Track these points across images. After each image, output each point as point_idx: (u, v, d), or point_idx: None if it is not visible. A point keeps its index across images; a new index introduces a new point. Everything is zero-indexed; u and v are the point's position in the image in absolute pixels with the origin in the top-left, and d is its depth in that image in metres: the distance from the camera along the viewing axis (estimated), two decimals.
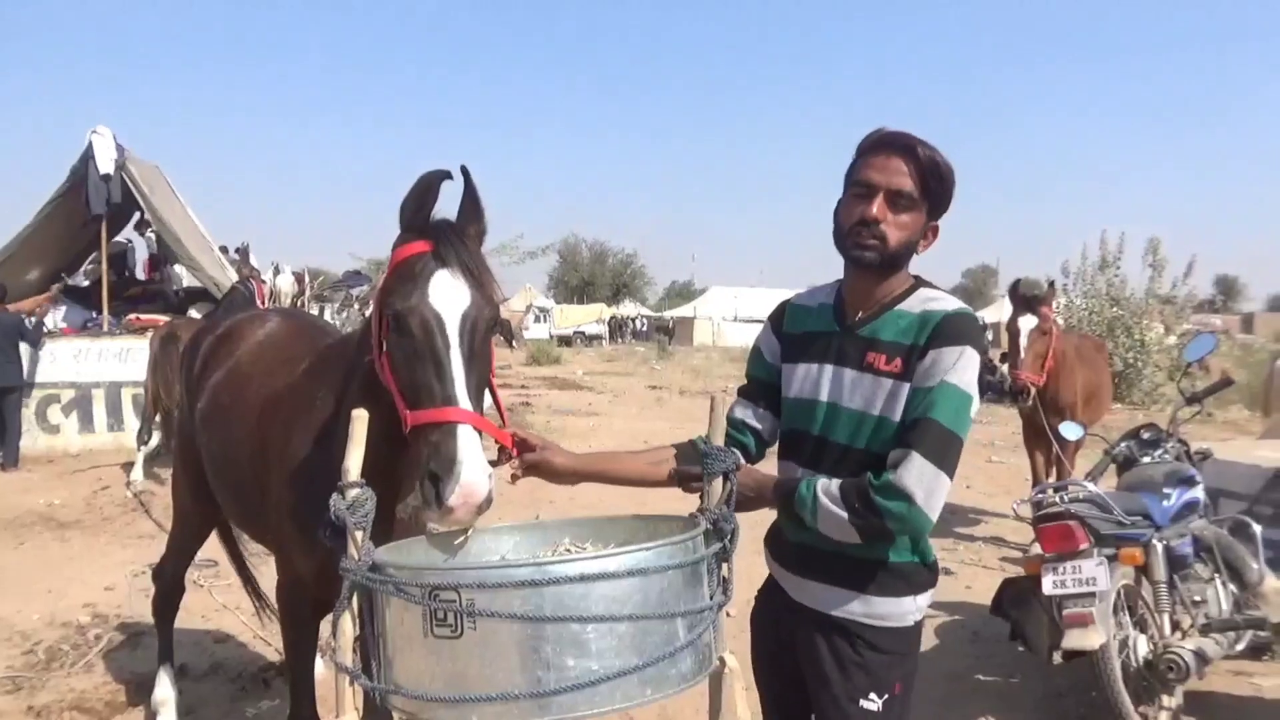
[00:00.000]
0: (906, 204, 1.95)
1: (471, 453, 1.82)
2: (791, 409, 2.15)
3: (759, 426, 2.21)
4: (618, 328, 54.16)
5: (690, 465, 2.14)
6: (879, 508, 1.84)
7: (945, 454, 1.86)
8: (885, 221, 1.94)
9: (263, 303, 10.32)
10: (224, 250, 13.05)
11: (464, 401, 1.89)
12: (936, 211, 2.02)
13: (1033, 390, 6.73)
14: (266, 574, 5.01)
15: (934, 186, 1.96)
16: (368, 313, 2.42)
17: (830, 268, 2.17)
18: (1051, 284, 7.82)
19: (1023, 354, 6.74)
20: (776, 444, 2.23)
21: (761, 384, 2.25)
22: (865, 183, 1.96)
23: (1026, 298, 6.89)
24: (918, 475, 1.83)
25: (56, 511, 8.12)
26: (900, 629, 2.02)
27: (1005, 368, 7.20)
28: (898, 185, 1.93)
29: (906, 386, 1.92)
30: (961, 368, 1.88)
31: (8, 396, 10.16)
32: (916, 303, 2.01)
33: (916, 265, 2.09)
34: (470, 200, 2.12)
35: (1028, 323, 6.79)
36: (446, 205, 2.11)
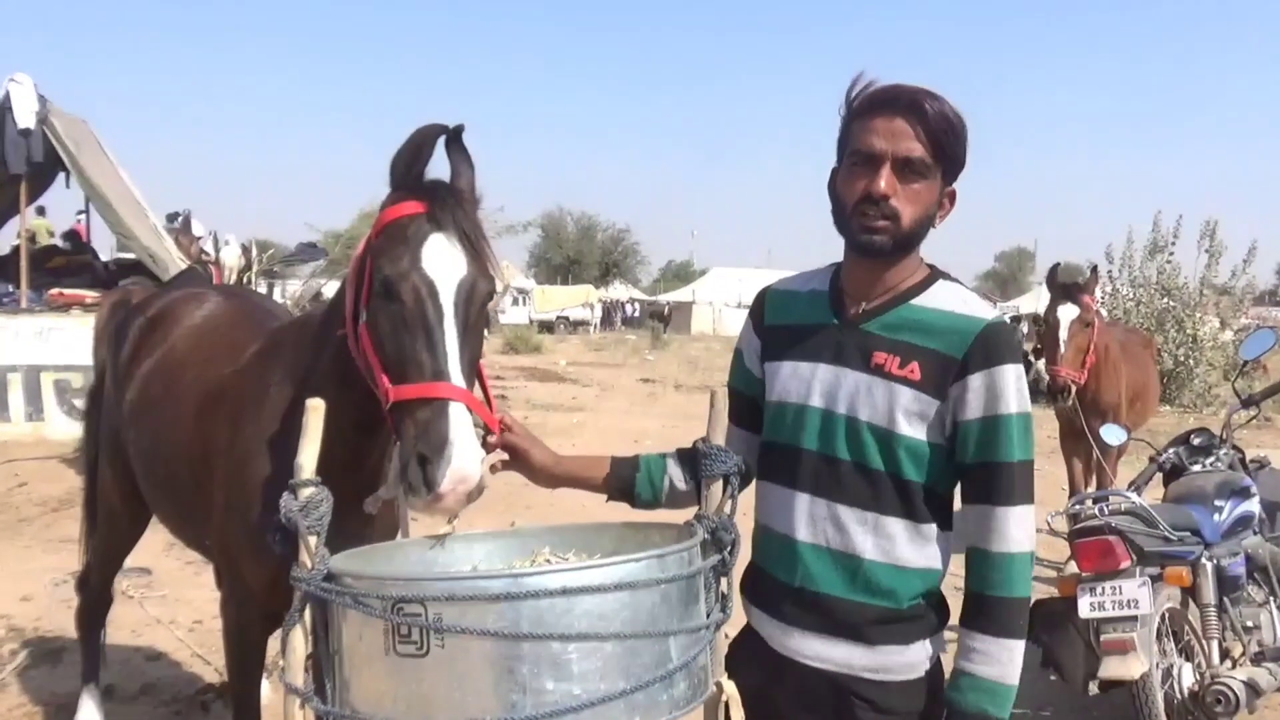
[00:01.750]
0: (919, 172, 1.86)
1: (464, 433, 1.83)
2: (774, 416, 2.06)
3: (739, 460, 2.02)
4: (606, 312, 54.13)
5: (626, 471, 2.16)
6: (1028, 600, 1.89)
7: (1031, 487, 1.89)
8: (896, 196, 1.86)
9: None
10: (172, 218, 12.99)
11: (456, 378, 1.90)
12: (952, 174, 1.94)
13: (1073, 389, 6.74)
14: (202, 583, 5.05)
15: (949, 147, 1.87)
16: (324, 291, 2.42)
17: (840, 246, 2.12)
18: (1094, 270, 7.83)
19: (1062, 348, 6.71)
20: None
21: (740, 398, 2.16)
22: (867, 151, 1.87)
23: (1066, 285, 6.89)
24: (1026, 528, 1.88)
25: None
26: (911, 682, 1.94)
27: (1041, 364, 7.23)
28: (906, 151, 1.84)
29: (928, 400, 1.88)
30: (1019, 390, 1.87)
31: None
32: (940, 300, 1.94)
33: (930, 248, 2.02)
34: (463, 162, 2.15)
35: (1068, 313, 6.75)
36: (436, 167, 2.12)
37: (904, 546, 1.93)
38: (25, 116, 10.87)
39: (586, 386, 19.93)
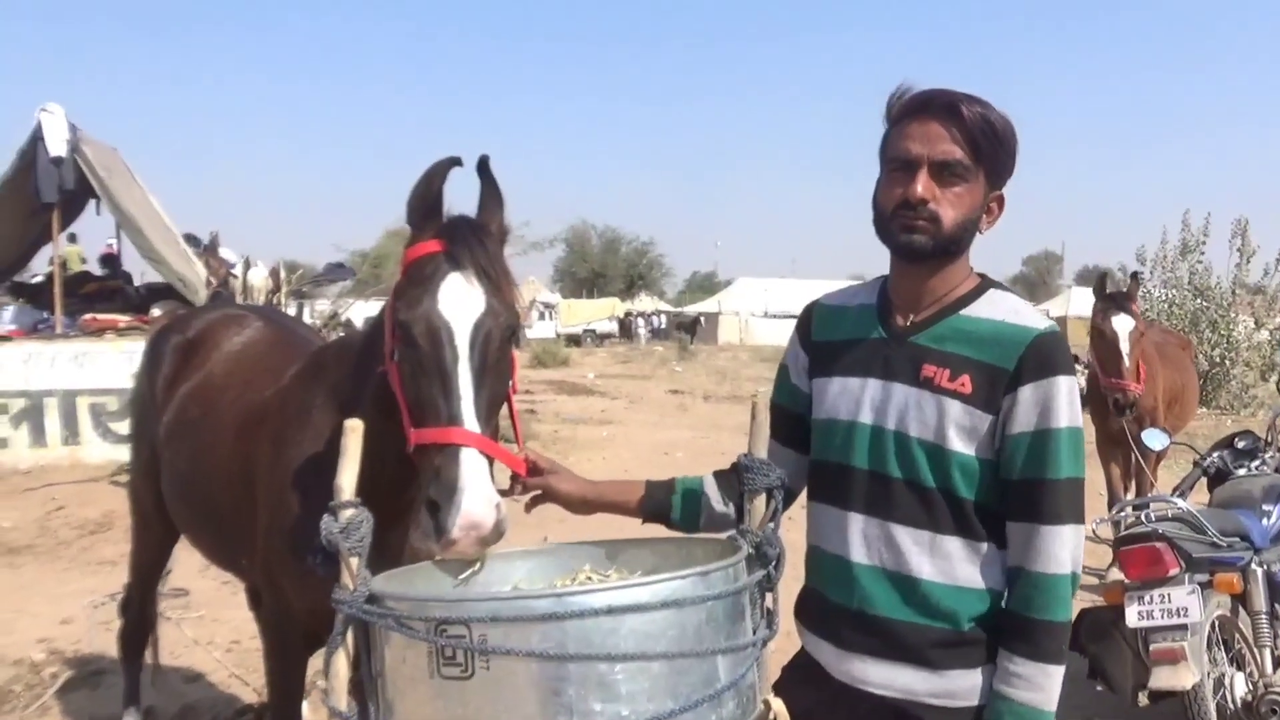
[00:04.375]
0: (958, 174, 1.83)
1: (475, 479, 1.82)
2: (824, 434, 2.03)
3: (782, 474, 1.96)
4: (626, 325, 54.22)
5: (661, 494, 2.14)
6: (1068, 624, 1.84)
7: (1080, 506, 1.84)
8: (934, 200, 1.83)
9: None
10: (191, 240, 13.13)
11: (470, 422, 1.89)
12: (998, 178, 1.90)
13: (1135, 402, 6.56)
14: (239, 603, 5.06)
15: (989, 149, 1.84)
16: (342, 314, 2.45)
17: (879, 256, 2.10)
18: (1135, 276, 7.71)
19: (1126, 360, 6.52)
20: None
21: (785, 414, 2.13)
22: (903, 157, 1.85)
23: (1116, 295, 6.75)
24: (1071, 549, 1.82)
25: (5, 535, 8.18)
26: (975, 708, 1.88)
27: (1084, 376, 7.10)
28: (943, 155, 1.82)
29: (979, 414, 1.83)
30: (1070, 404, 1.82)
31: None
32: (990, 309, 1.90)
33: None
34: (490, 194, 2.15)
35: (1124, 324, 6.57)
36: (465, 199, 2.13)
37: (963, 566, 1.88)
38: (57, 145, 11.03)
39: (615, 399, 19.92)
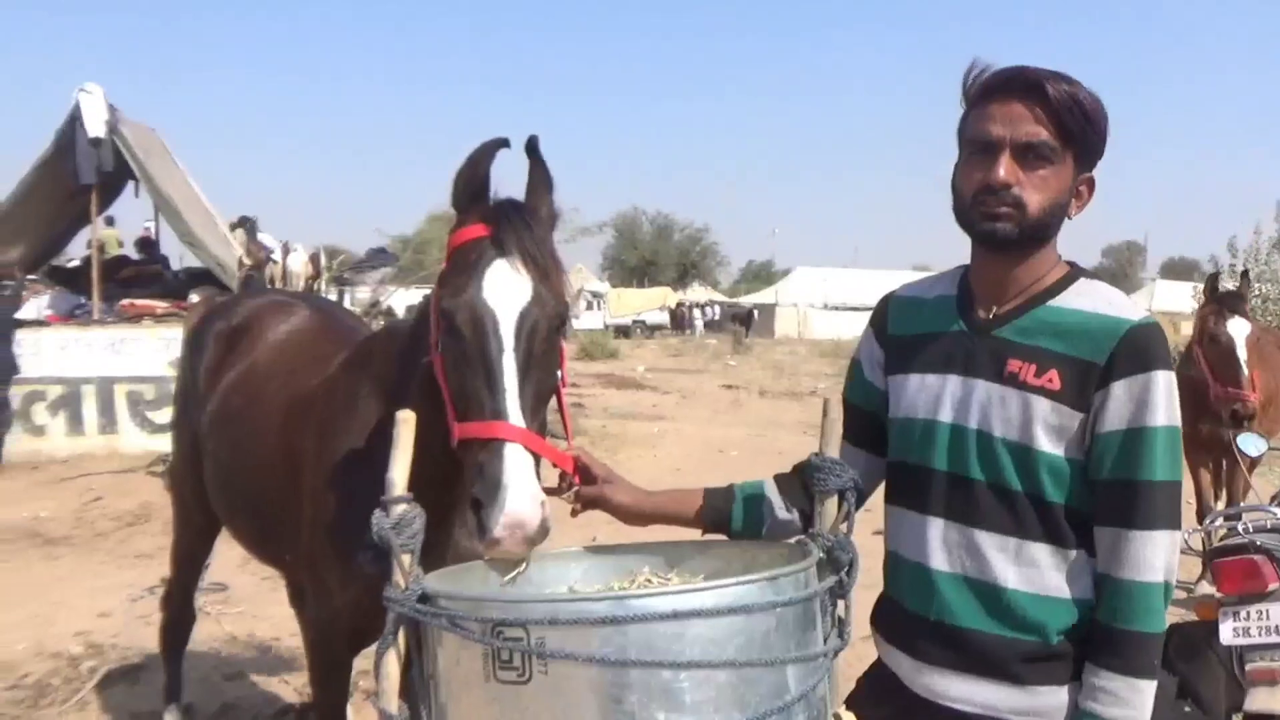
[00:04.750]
0: (1044, 157, 1.81)
1: (519, 476, 1.82)
2: (902, 434, 2.02)
3: (855, 474, 1.95)
4: (678, 317, 54.21)
5: (720, 502, 2.12)
6: (1160, 636, 1.80)
7: (1175, 511, 1.80)
8: (1018, 183, 1.80)
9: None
10: (246, 222, 13.34)
11: (515, 416, 1.90)
12: (1087, 160, 1.88)
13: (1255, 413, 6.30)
14: (280, 599, 5.15)
15: (1077, 129, 1.81)
16: (384, 302, 2.47)
17: (949, 245, 2.08)
18: (1245, 275, 7.44)
19: (1243, 369, 6.22)
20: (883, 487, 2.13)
21: (857, 413, 2.13)
22: (984, 139, 1.83)
23: (1230, 296, 6.48)
24: (1165, 556, 1.78)
25: (42, 525, 8.39)
26: None
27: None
28: (1027, 136, 1.79)
29: (1069, 412, 1.80)
30: (1168, 401, 1.78)
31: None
32: (1080, 299, 1.87)
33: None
34: (539, 176, 2.15)
35: (1240, 329, 6.29)
36: (513, 183, 2.13)
37: (1050, 574, 1.86)
38: (96, 126, 11.25)
39: (667, 394, 19.92)
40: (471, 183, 2.07)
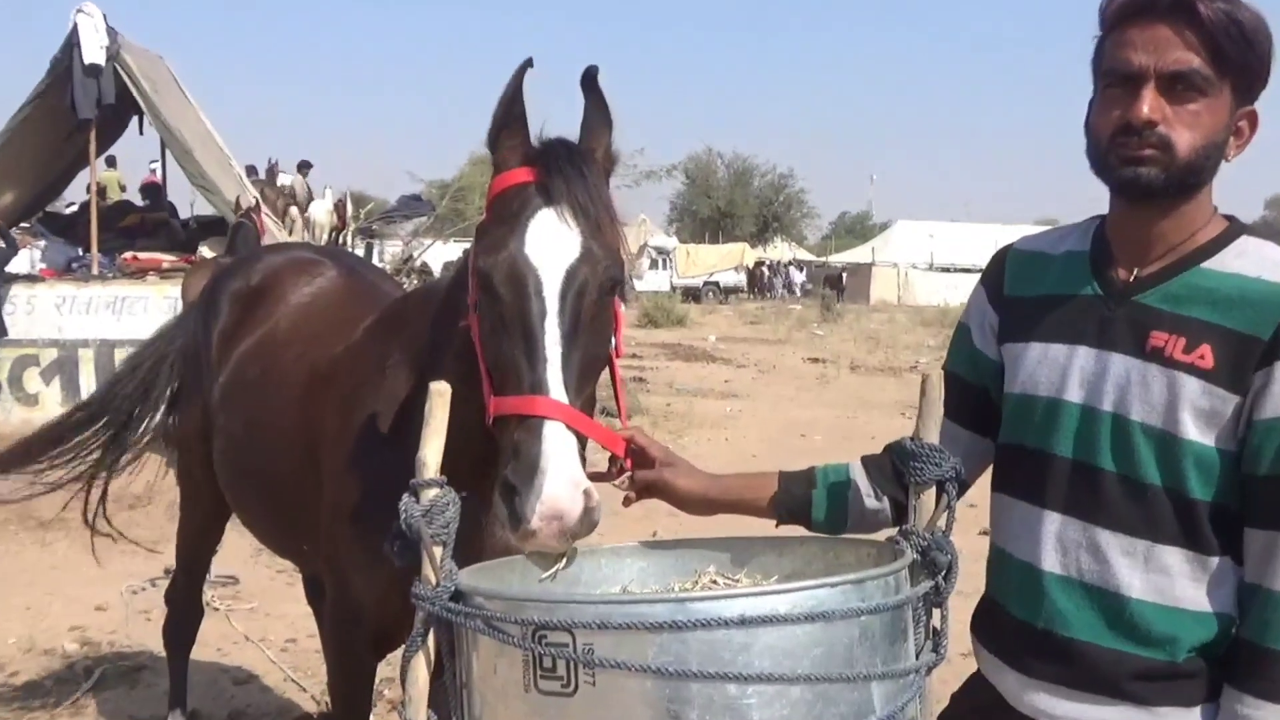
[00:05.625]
0: (1195, 88, 1.76)
1: (559, 459, 1.83)
2: (1018, 412, 2.01)
3: (957, 462, 1.93)
4: (756, 278, 53.94)
5: (799, 489, 2.13)
6: None
7: None
8: (1165, 121, 1.77)
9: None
10: (250, 172, 13.54)
11: (557, 390, 1.90)
12: (1248, 90, 1.83)
13: None
14: (296, 595, 5.24)
15: (1235, 54, 1.76)
16: (417, 258, 2.51)
17: (1082, 196, 2.05)
18: None
19: None
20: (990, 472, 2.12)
21: (963, 387, 2.11)
22: (1124, 70, 1.79)
23: None
24: None
25: (36, 507, 8.58)
26: None
27: None
28: (1175, 64, 1.75)
29: (1223, 394, 1.77)
30: None
31: None
32: (1241, 261, 1.83)
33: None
34: (597, 113, 2.15)
35: None
36: (569, 125, 2.13)
37: (1184, 583, 1.84)
38: (94, 52, 11.37)
39: (742, 367, 19.92)
40: (503, 119, 2.08)
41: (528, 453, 1.84)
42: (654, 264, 48.55)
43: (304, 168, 18.35)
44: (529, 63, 2.10)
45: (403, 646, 1.79)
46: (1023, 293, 2.06)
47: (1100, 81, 1.88)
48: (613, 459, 2.11)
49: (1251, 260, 1.83)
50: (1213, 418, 1.79)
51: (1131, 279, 1.91)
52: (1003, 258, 2.15)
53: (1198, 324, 1.81)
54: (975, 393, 2.12)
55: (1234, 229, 1.89)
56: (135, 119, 12.99)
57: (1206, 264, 1.85)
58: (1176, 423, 1.80)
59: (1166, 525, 1.83)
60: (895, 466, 1.97)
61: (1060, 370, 1.93)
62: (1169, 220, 1.87)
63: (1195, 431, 1.80)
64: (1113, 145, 1.83)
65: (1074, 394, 1.91)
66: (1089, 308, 1.93)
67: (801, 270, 56.63)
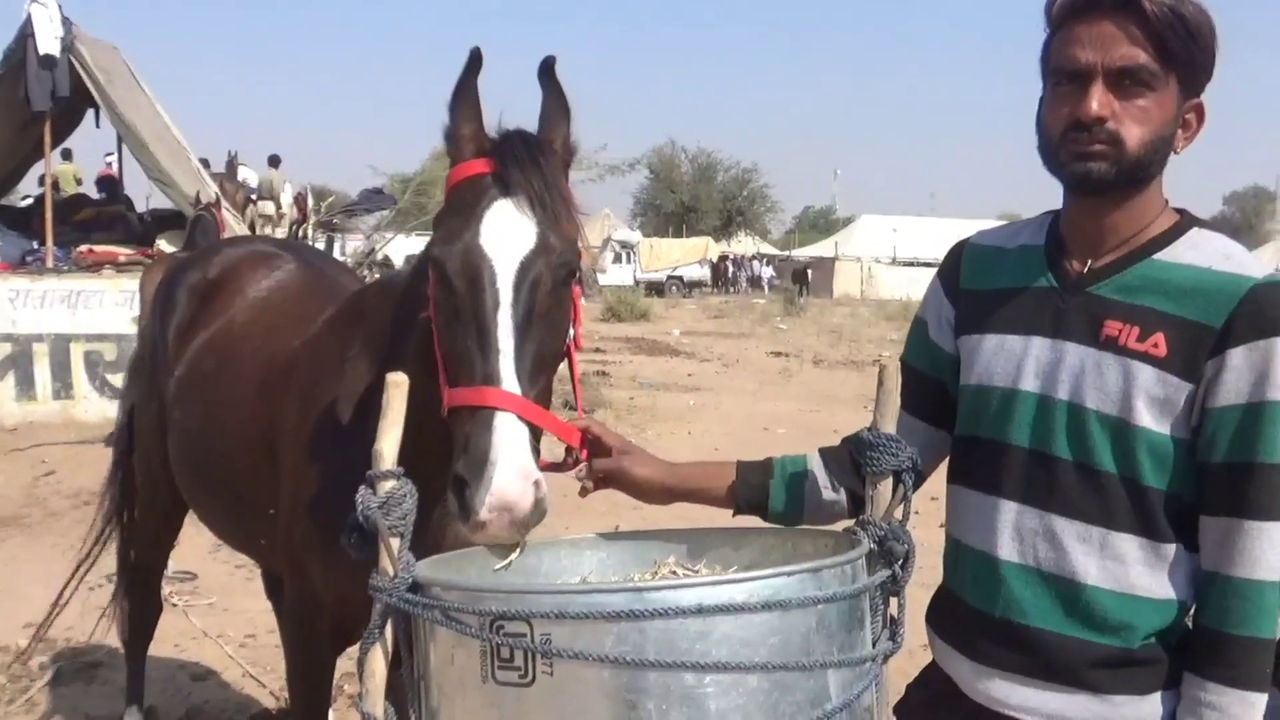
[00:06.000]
0: (1143, 83, 1.79)
1: (509, 450, 1.84)
2: (974, 403, 2.03)
3: (914, 453, 1.95)
4: (719, 271, 54.04)
5: (756, 478, 2.15)
6: (1274, 642, 1.78)
7: None
8: (1113, 116, 1.80)
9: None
10: (204, 165, 13.43)
11: (509, 381, 1.91)
12: (1194, 83, 1.86)
13: None
14: (255, 590, 5.21)
15: (1180, 49, 1.79)
16: (379, 250, 2.50)
17: (1043, 191, 2.05)
18: None
19: None
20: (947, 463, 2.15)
21: (920, 379, 2.13)
22: (1071, 67, 1.82)
23: None
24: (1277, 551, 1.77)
25: None
26: None
27: None
28: (1121, 60, 1.78)
29: (1176, 382, 1.80)
30: None
31: None
32: (1193, 253, 1.86)
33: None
34: (555, 104, 2.16)
35: None
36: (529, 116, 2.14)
37: (1139, 570, 1.86)
38: (48, 43, 11.27)
39: (705, 361, 19.94)
40: (460, 108, 2.09)
41: (478, 445, 1.85)
42: (618, 258, 48.57)
43: (274, 162, 18.25)
44: (478, 53, 2.11)
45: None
46: (979, 286, 2.08)
47: (1049, 79, 1.90)
48: (569, 450, 2.12)
49: (1203, 252, 1.86)
50: (1166, 405, 1.82)
51: (1086, 271, 1.93)
52: (959, 252, 2.18)
53: (1151, 313, 1.84)
54: (932, 385, 2.14)
55: (1186, 221, 1.92)
56: (91, 111, 12.87)
57: (1159, 255, 1.88)
58: (1131, 410, 1.83)
59: (1121, 513, 1.86)
60: (852, 458, 2.00)
61: (1016, 361, 1.95)
62: (1121, 213, 1.90)
63: (1149, 419, 1.82)
64: (1064, 141, 1.86)
65: (1030, 384, 1.93)
66: (1044, 299, 1.95)
67: (769, 264, 56.79)
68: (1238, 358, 1.77)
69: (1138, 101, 1.81)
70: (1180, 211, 1.95)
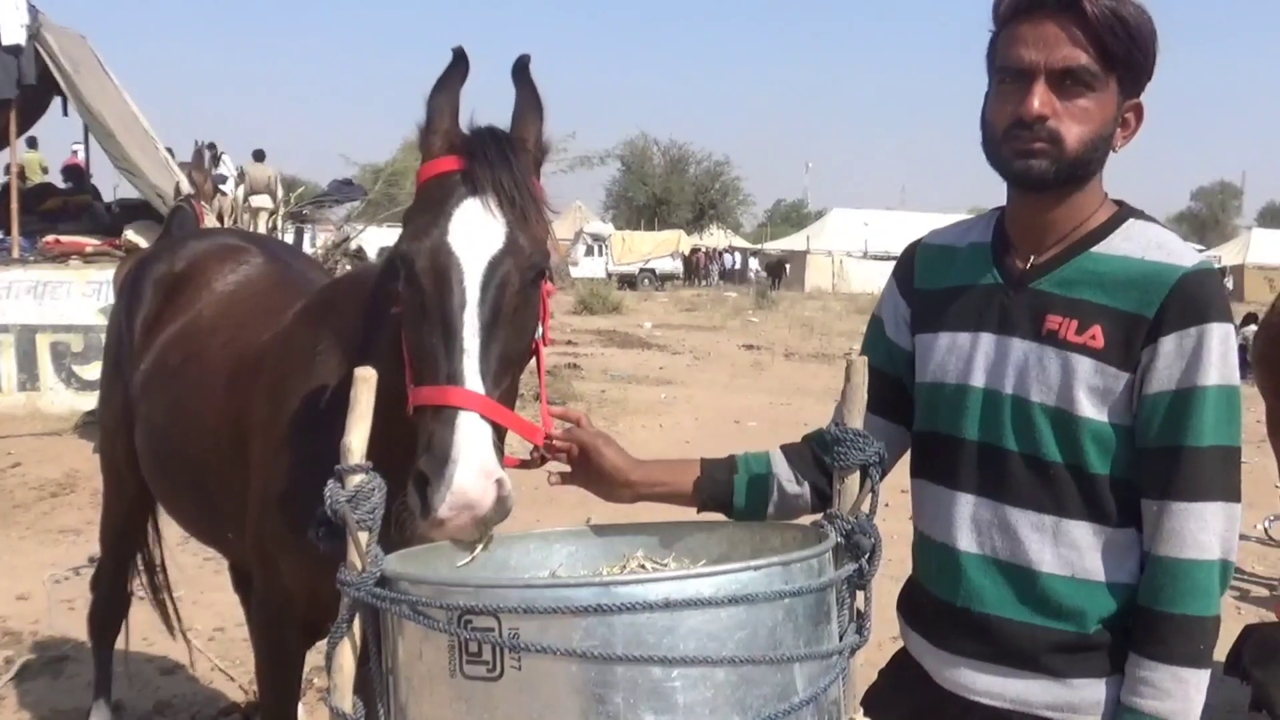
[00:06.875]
0: (1083, 83, 1.84)
1: (471, 448, 1.85)
2: (930, 400, 2.08)
3: (880, 447, 1.96)
4: (691, 265, 54.05)
5: (721, 475, 2.17)
6: (1210, 620, 1.82)
7: (1230, 481, 1.84)
8: (1054, 115, 1.84)
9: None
10: (258, 156, 13.34)
11: (473, 380, 1.92)
12: (1134, 84, 1.91)
13: None
14: (224, 583, 5.18)
15: (1120, 50, 1.83)
16: (351, 242, 2.50)
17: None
18: None
19: None
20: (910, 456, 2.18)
21: (878, 377, 2.12)
22: (1015, 66, 1.87)
23: None
24: (1218, 531, 1.81)
25: None
26: None
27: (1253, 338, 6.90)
28: (1063, 61, 1.82)
29: (1114, 372, 1.85)
30: (1223, 357, 1.82)
31: None
32: (1128, 244, 1.91)
33: (1109, 187, 2.00)
34: (528, 103, 2.16)
35: None
36: (501, 113, 2.13)
37: (1091, 556, 1.91)
38: (13, 31, 11.17)
39: (677, 354, 19.95)
40: (440, 107, 2.08)
41: (440, 443, 1.86)
42: (590, 250, 48.49)
43: (260, 156, 18.18)
44: (463, 53, 2.11)
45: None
46: (931, 285, 2.13)
47: (994, 76, 1.94)
48: (534, 448, 2.13)
49: (1137, 242, 1.92)
50: (1106, 395, 1.87)
51: (1028, 267, 1.98)
52: (913, 252, 2.22)
53: (1089, 306, 1.89)
54: (890, 382, 2.16)
55: (1123, 213, 1.97)
56: (57, 100, 12.75)
57: (1096, 248, 1.93)
58: (1072, 401, 1.88)
59: (1071, 500, 1.91)
60: (816, 453, 2.05)
61: (966, 357, 2.01)
62: (1061, 209, 1.95)
63: (1090, 409, 1.87)
64: (1006, 138, 1.90)
65: (978, 379, 1.98)
66: (990, 296, 2.01)
67: (754, 257, 56.78)
68: (1169, 345, 1.83)
69: (1078, 101, 1.86)
70: (1119, 203, 2.00)
